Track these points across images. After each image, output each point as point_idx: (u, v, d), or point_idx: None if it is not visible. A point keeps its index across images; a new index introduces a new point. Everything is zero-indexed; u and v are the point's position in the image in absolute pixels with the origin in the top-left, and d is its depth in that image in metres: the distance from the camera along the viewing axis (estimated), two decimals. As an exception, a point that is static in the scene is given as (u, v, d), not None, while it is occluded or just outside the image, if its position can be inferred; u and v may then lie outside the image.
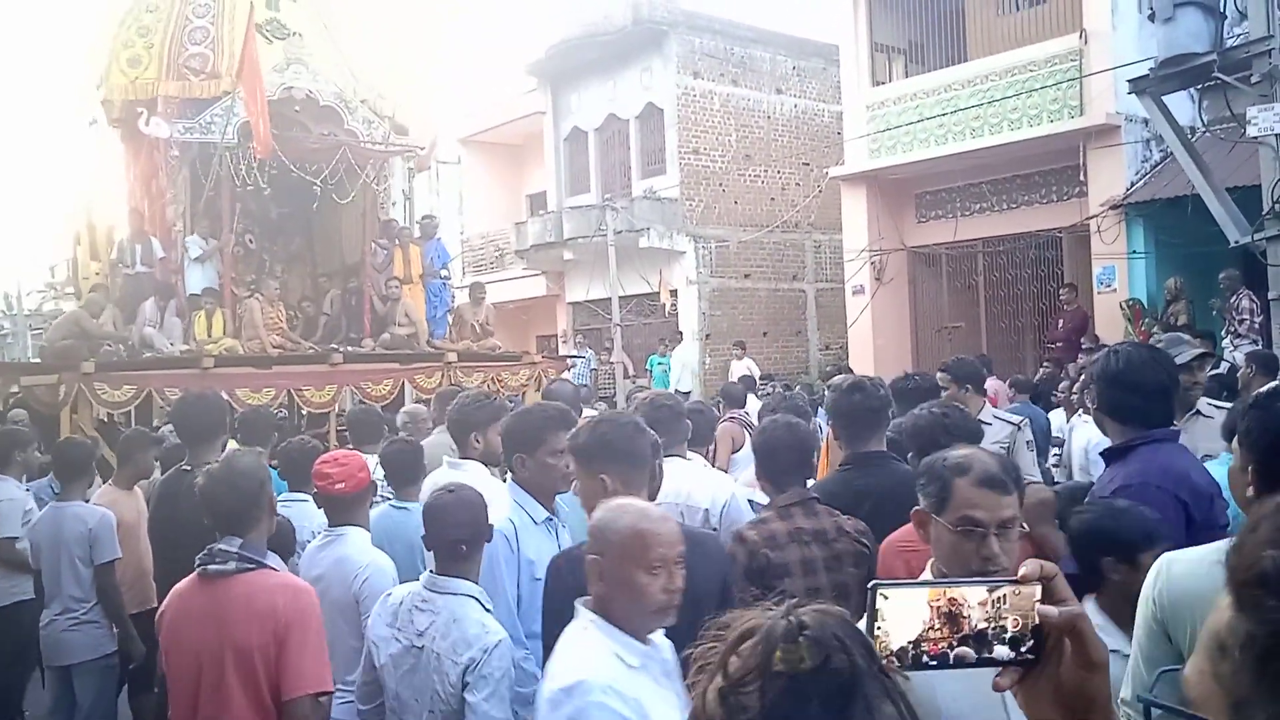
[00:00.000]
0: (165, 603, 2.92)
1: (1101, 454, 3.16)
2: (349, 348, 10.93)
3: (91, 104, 11.12)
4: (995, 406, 6.97)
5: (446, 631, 2.77)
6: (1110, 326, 12.40)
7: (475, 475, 3.79)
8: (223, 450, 4.75)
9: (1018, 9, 14.51)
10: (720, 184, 18.64)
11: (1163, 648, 2.09)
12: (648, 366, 17.03)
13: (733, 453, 6.91)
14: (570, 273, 19.75)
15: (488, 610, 2.89)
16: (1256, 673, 0.85)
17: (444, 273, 12.65)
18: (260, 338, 10.40)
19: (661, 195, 18.10)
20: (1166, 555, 2.23)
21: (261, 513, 2.89)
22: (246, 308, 10.63)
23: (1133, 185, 12.64)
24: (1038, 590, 1.02)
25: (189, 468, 4.30)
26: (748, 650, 0.92)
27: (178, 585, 2.93)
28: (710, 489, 3.67)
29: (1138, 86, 8.92)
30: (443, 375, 10.56)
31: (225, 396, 9.08)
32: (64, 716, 5.00)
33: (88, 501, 5.17)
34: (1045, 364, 12.01)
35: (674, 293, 17.86)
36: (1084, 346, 12.09)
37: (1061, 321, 12.88)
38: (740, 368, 15.68)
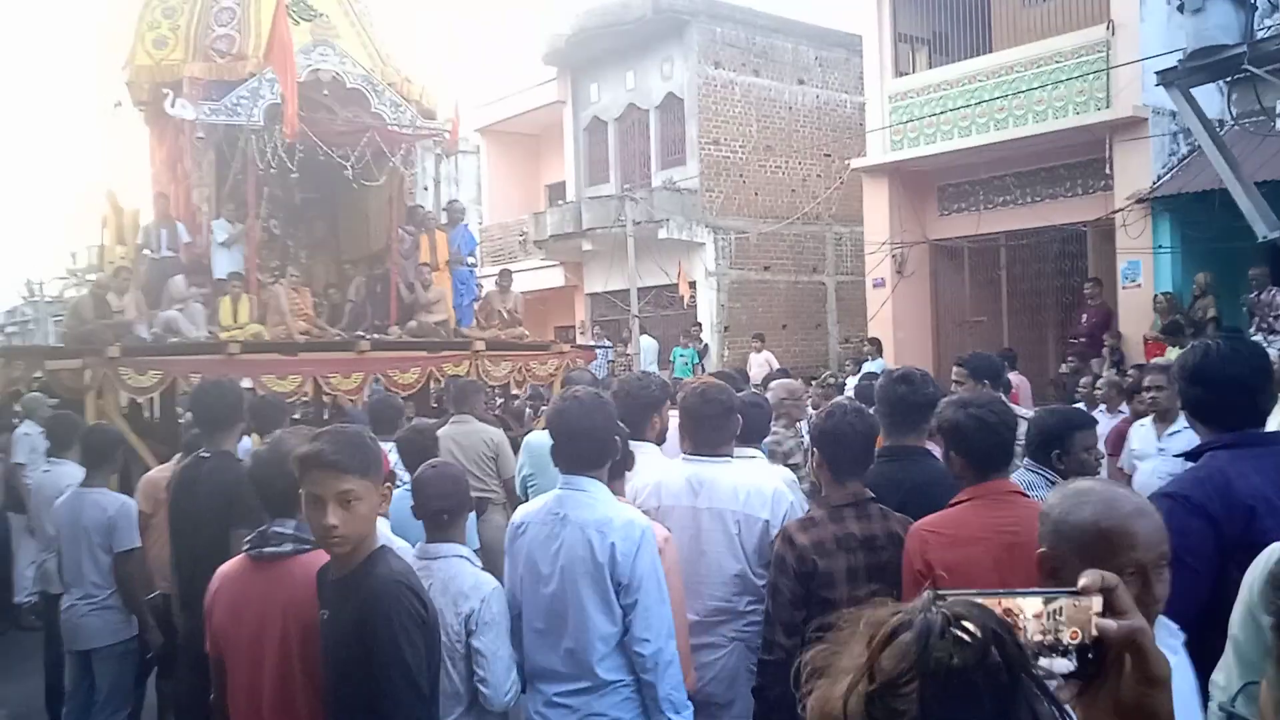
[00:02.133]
0: (214, 587, 2.89)
1: (1181, 455, 3.04)
2: (375, 335, 10.77)
3: (117, 87, 10.98)
4: (1018, 403, 6.88)
5: (445, 589, 3.03)
6: (1135, 322, 12.27)
7: (650, 457, 3.77)
8: (240, 438, 4.78)
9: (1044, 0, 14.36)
10: (740, 175, 18.55)
11: (1260, 645, 1.88)
12: (670, 358, 16.94)
13: None
14: (589, 263, 19.71)
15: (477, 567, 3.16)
16: None
17: (470, 260, 12.41)
18: (287, 324, 10.26)
19: (681, 186, 18.03)
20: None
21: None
22: (272, 293, 10.49)
23: (1159, 179, 12.48)
24: (1096, 602, 0.98)
25: (207, 454, 4.30)
26: (899, 649, 0.85)
27: (225, 569, 2.91)
28: (770, 496, 3.42)
29: (1165, 79, 8.79)
30: (470, 364, 10.38)
31: (250, 383, 9.08)
32: (84, 700, 5.02)
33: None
34: (1068, 359, 11.91)
35: (693, 284, 17.80)
36: (1107, 342, 11.99)
37: (1085, 316, 12.76)
38: (759, 360, 15.64)
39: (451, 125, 11.56)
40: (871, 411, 3.38)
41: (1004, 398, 4.40)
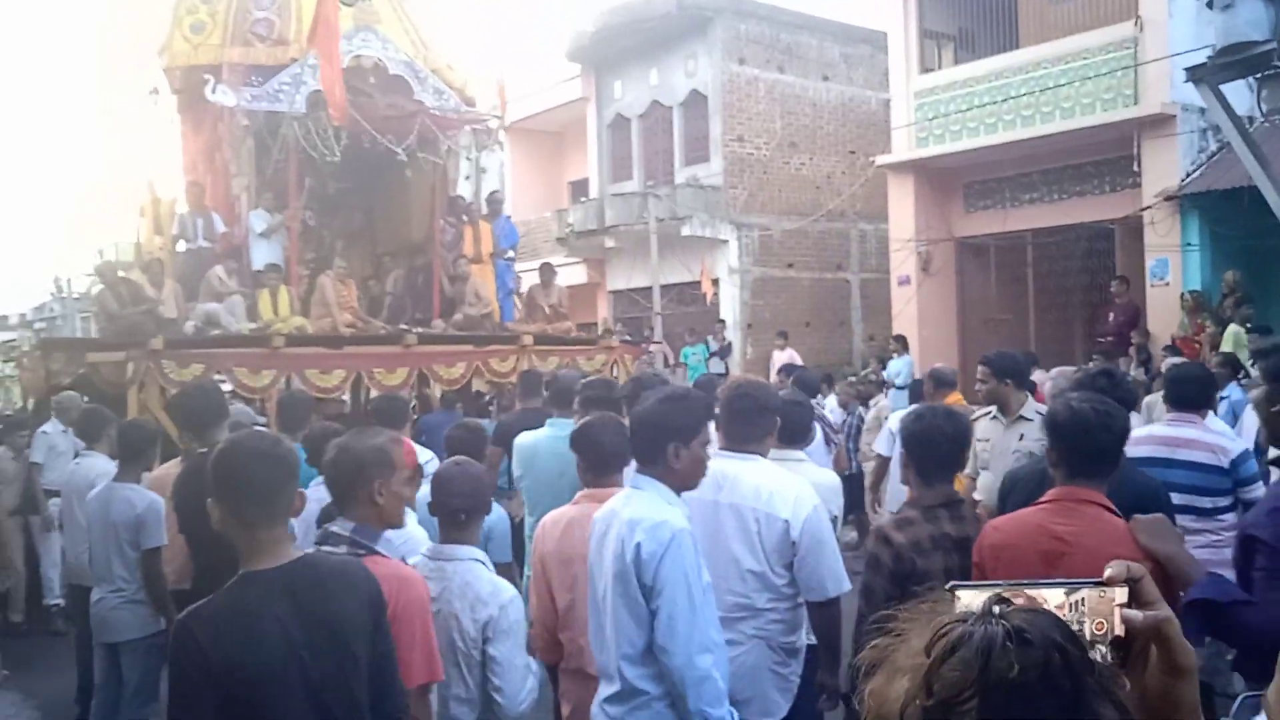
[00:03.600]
0: None
1: (1271, 463, 2.95)
2: (420, 329, 10.41)
3: (154, 73, 10.74)
4: (1043, 403, 6.83)
5: (463, 593, 2.98)
6: (1163, 320, 12.16)
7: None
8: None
9: (1071, -5, 14.25)
10: (764, 172, 18.50)
11: None
12: (681, 358, 16.74)
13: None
14: (611, 261, 19.73)
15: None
16: None
17: (510, 253, 12.10)
18: (333, 316, 9.97)
19: (704, 183, 18.00)
20: None
21: (361, 493, 2.74)
22: (318, 285, 10.22)
23: (1188, 176, 12.36)
24: (1119, 593, 0.98)
25: (205, 450, 4.36)
26: (960, 663, 0.83)
27: None
28: (793, 497, 3.38)
29: (1195, 75, 8.70)
30: (517, 358, 10.18)
31: (295, 378, 8.83)
32: (112, 692, 5.06)
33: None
34: (1094, 357, 11.82)
35: (716, 281, 17.78)
36: (1134, 341, 11.88)
37: (1112, 315, 12.66)
38: (782, 358, 15.59)
39: (499, 109, 11.19)
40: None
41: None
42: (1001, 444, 5.00)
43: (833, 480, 4.33)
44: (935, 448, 3.07)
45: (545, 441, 4.96)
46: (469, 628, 2.96)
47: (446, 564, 3.06)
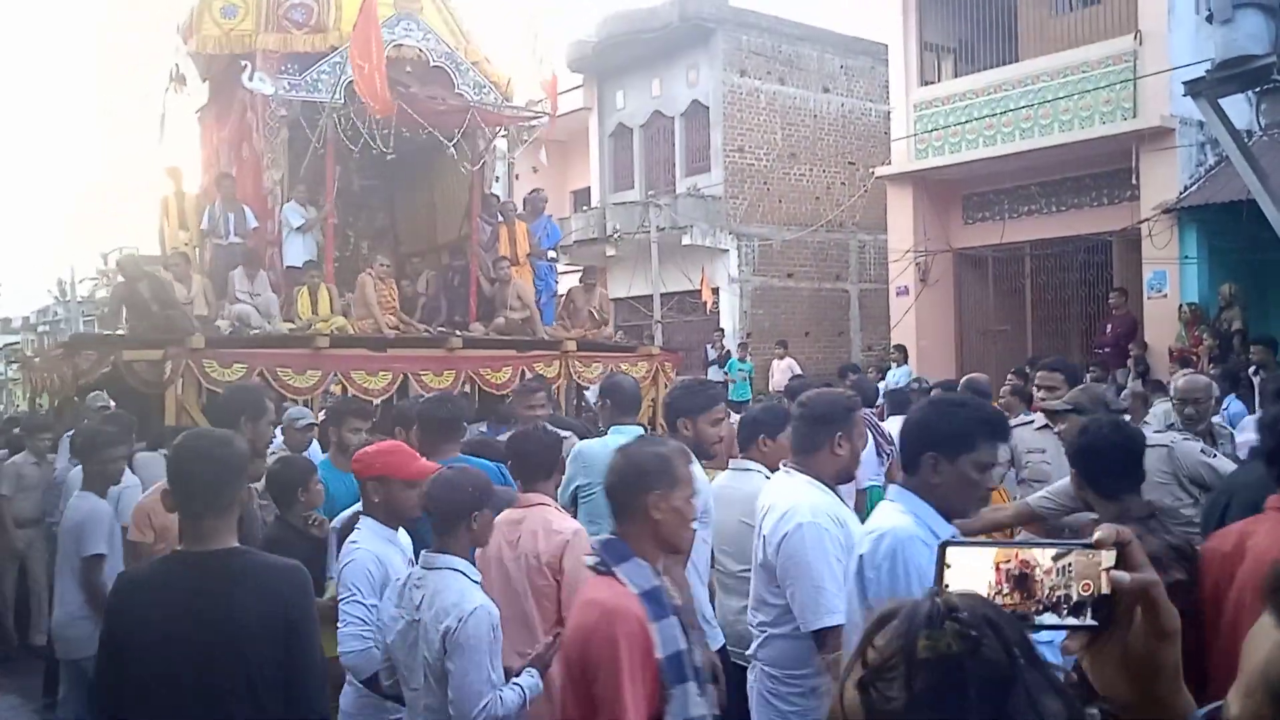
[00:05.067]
0: None
1: None
2: (460, 332, 9.94)
3: (168, 63, 10.20)
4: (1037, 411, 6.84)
5: (432, 602, 2.95)
6: (1160, 332, 12.22)
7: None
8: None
9: (1071, 9, 14.35)
10: (764, 182, 18.59)
11: None
12: (726, 370, 16.44)
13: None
14: (612, 269, 19.77)
15: (475, 582, 3.02)
16: None
17: (551, 254, 11.60)
18: (375, 317, 9.48)
19: (705, 193, 18.08)
20: None
21: (636, 505, 2.54)
22: (359, 284, 9.75)
23: (1186, 189, 12.44)
24: (1106, 556, 1.00)
25: None
26: (889, 634, 0.85)
27: None
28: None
29: (1193, 89, 8.77)
30: (560, 364, 9.90)
31: (340, 378, 8.57)
32: (78, 709, 4.72)
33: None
34: (1090, 368, 11.87)
35: (716, 291, 17.84)
36: (1132, 352, 11.94)
37: (1110, 326, 12.71)
38: (782, 367, 15.67)
39: (549, 106, 10.77)
40: None
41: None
42: (1060, 457, 4.46)
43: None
44: (1107, 459, 2.84)
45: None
46: (434, 639, 2.91)
47: (429, 572, 3.03)
